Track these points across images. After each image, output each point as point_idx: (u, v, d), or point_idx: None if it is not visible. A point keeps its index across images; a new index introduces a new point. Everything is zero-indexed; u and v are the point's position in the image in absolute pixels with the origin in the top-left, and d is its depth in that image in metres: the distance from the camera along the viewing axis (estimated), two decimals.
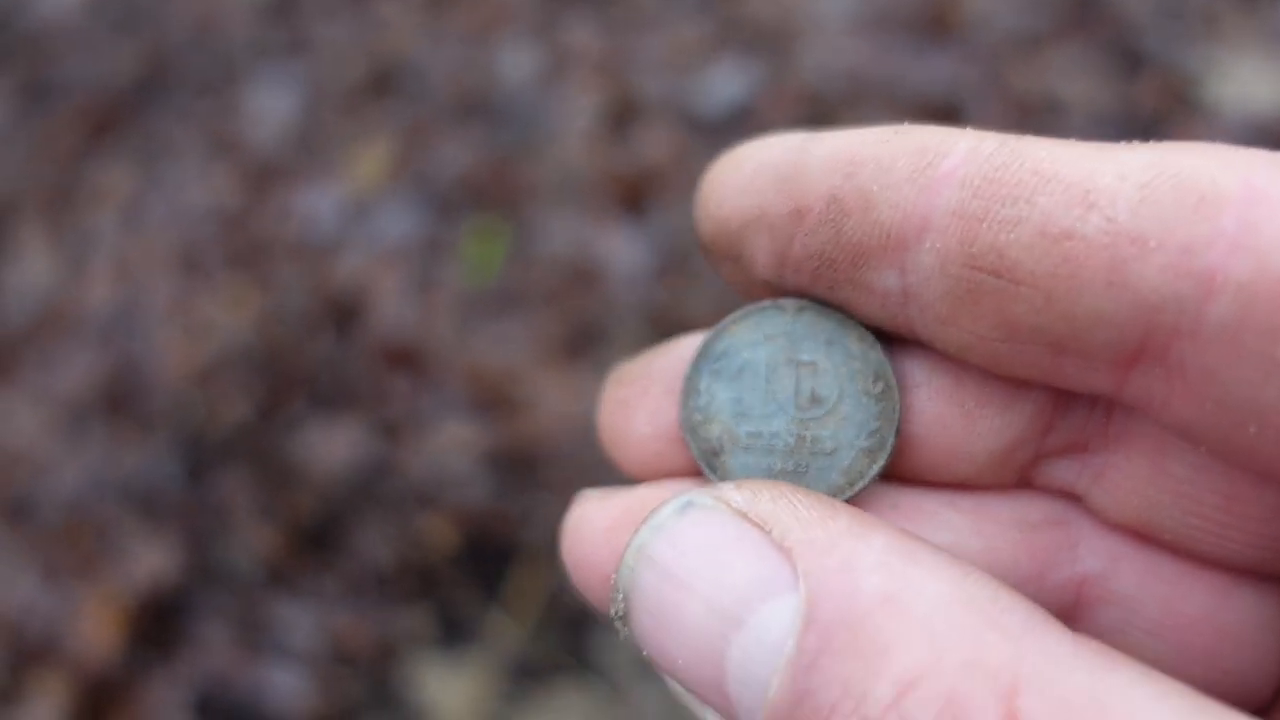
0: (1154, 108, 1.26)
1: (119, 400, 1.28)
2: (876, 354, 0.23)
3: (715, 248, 0.24)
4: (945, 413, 0.23)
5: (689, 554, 0.19)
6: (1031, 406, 0.22)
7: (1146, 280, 0.16)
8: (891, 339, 0.24)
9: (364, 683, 1.06)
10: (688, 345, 0.26)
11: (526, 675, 1.04)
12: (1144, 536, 0.23)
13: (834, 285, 0.22)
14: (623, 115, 1.40)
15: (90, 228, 1.46)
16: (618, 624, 0.21)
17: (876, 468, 0.23)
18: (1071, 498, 0.24)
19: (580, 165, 1.36)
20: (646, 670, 1.03)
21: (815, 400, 0.24)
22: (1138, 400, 0.19)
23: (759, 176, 0.22)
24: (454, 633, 1.08)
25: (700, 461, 0.24)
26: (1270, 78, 1.25)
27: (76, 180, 1.52)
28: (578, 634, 1.05)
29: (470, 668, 1.06)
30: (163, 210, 1.45)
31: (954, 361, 0.22)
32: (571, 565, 0.25)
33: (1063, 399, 0.22)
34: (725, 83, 1.40)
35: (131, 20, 1.68)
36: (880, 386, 0.23)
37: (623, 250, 1.27)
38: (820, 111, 1.34)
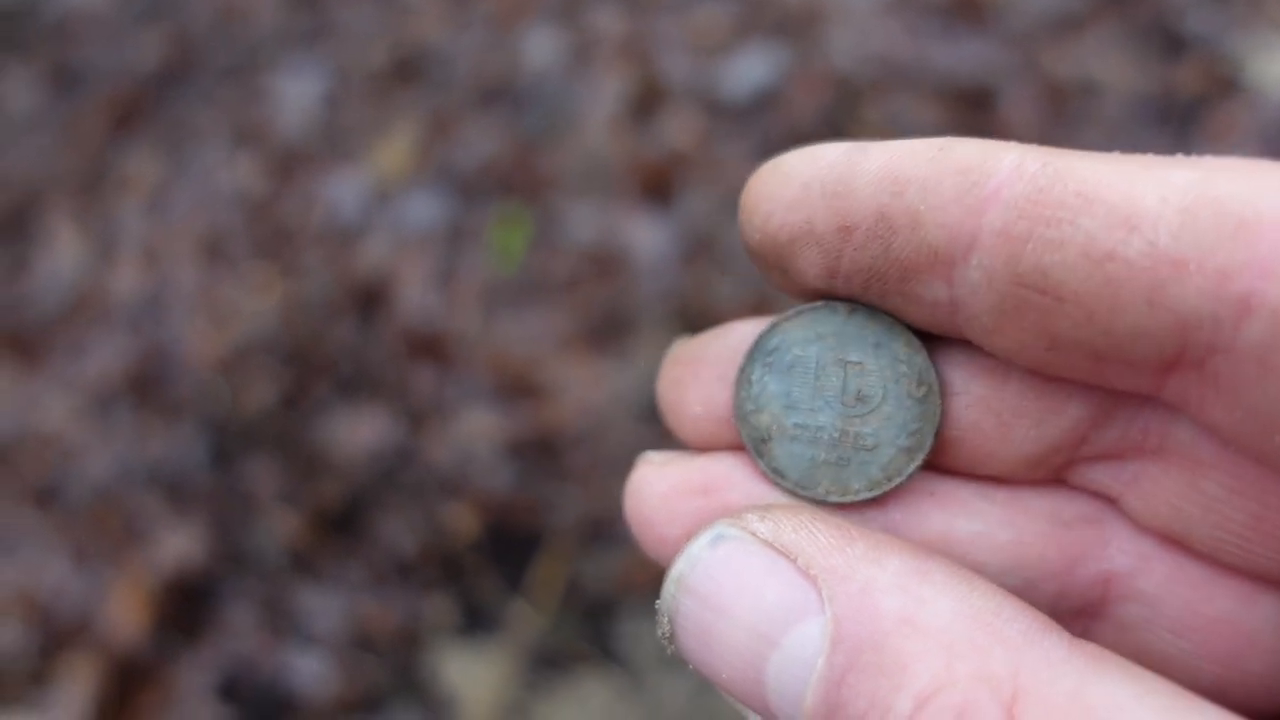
0: (1194, 91, 1.23)
1: (146, 386, 1.29)
2: (922, 359, 0.24)
3: (763, 258, 0.25)
4: (982, 420, 0.24)
5: (724, 584, 0.21)
6: (1067, 421, 0.23)
7: (1185, 301, 0.17)
8: (939, 337, 0.25)
9: (387, 669, 1.06)
10: (741, 332, 0.27)
11: (548, 663, 1.04)
12: (1173, 541, 0.24)
13: (884, 295, 0.23)
14: (647, 101, 1.39)
15: (118, 215, 1.47)
16: (664, 642, 0.23)
17: (914, 465, 0.25)
18: (1107, 499, 0.24)
19: (605, 152, 1.35)
20: (667, 660, 1.02)
21: (861, 399, 0.25)
22: (1175, 401, 0.20)
23: (808, 191, 0.23)
24: (476, 620, 1.08)
25: (749, 446, 0.26)
26: None
27: (104, 168, 1.53)
28: (599, 623, 1.05)
29: (492, 655, 1.06)
30: (189, 198, 1.46)
31: (995, 371, 0.24)
32: (633, 525, 0.27)
33: (1100, 415, 0.23)
34: (751, 67, 1.38)
35: (157, 8, 1.69)
36: (923, 390, 0.24)
37: (647, 237, 1.26)
38: (848, 96, 1.32)
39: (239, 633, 1.09)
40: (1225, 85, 1.22)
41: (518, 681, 1.04)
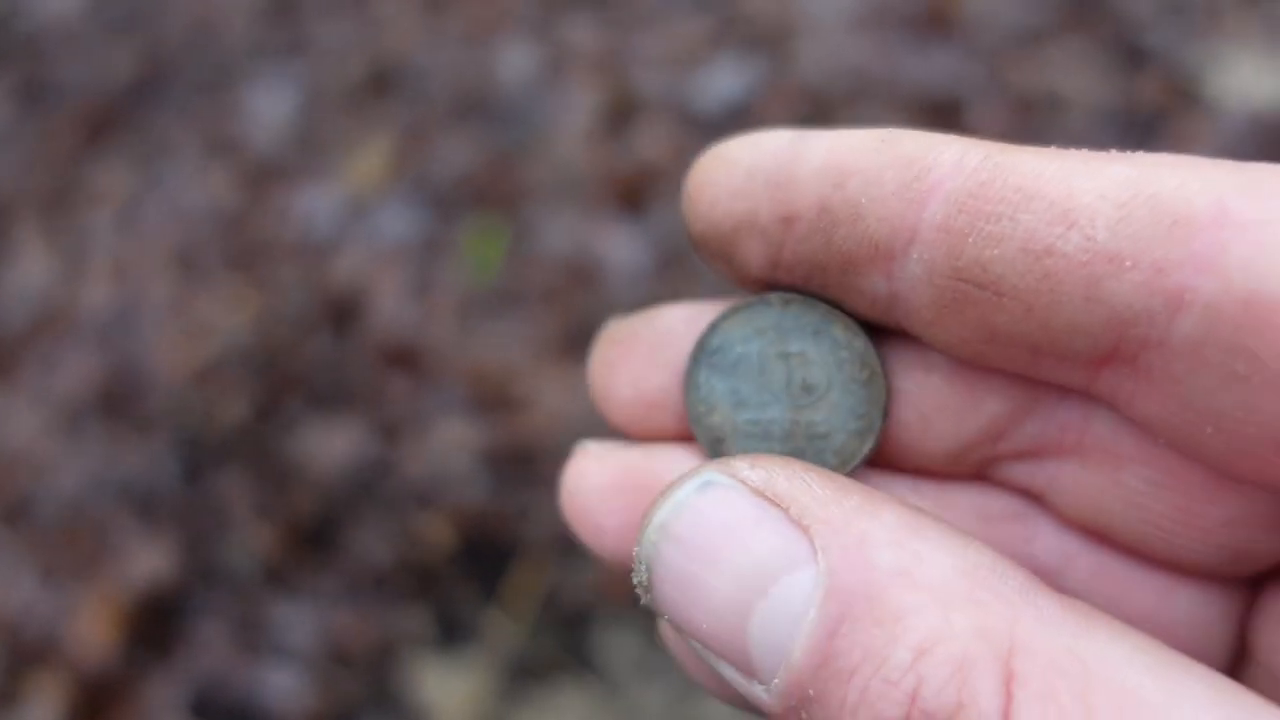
0: (1155, 103, 1.25)
1: (117, 401, 1.28)
2: (861, 342, 0.25)
3: (707, 247, 0.25)
4: (906, 414, 0.24)
5: (712, 531, 0.20)
6: (984, 418, 0.23)
7: (1121, 296, 0.17)
8: (873, 329, 0.25)
9: (362, 682, 1.06)
10: (671, 317, 0.27)
11: (525, 674, 1.04)
12: (1097, 535, 0.24)
13: (825, 287, 0.23)
14: (621, 114, 1.40)
15: (88, 228, 1.45)
16: (640, 591, 0.22)
17: (866, 448, 0.25)
18: (1031, 495, 0.25)
19: (579, 164, 1.36)
20: (645, 669, 1.02)
21: (806, 389, 0.25)
22: (1106, 395, 0.20)
23: (751, 180, 0.23)
24: (452, 632, 1.07)
25: (707, 449, 0.26)
26: (1271, 73, 1.24)
27: (75, 181, 1.51)
28: (576, 633, 1.05)
29: (469, 667, 1.05)
30: (161, 211, 1.45)
31: (919, 366, 0.24)
32: (570, 516, 0.27)
33: (1018, 411, 0.23)
34: (724, 81, 1.40)
35: (129, 21, 1.68)
36: (866, 373, 0.25)
37: (621, 248, 1.27)
38: (819, 109, 1.34)
39: (211, 648, 1.08)
40: (1185, 98, 1.25)
41: (494, 692, 1.03)
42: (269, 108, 1.52)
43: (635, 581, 0.22)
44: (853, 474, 0.25)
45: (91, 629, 1.09)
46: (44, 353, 1.34)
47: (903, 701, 0.17)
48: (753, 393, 0.25)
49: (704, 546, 0.20)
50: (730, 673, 0.20)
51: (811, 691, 0.18)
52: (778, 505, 0.20)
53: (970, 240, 0.19)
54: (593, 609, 1.06)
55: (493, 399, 1.20)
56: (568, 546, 1.09)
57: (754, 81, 1.39)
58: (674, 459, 0.26)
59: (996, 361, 0.21)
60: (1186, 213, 0.17)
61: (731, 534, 0.20)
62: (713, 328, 0.26)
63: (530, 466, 1.14)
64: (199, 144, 1.51)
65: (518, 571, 1.09)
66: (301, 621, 1.09)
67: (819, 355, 0.25)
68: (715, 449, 0.26)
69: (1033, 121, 1.26)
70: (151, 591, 1.11)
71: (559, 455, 1.01)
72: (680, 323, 0.27)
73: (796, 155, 0.22)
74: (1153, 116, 1.24)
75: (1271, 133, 1.20)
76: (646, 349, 0.27)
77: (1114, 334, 0.18)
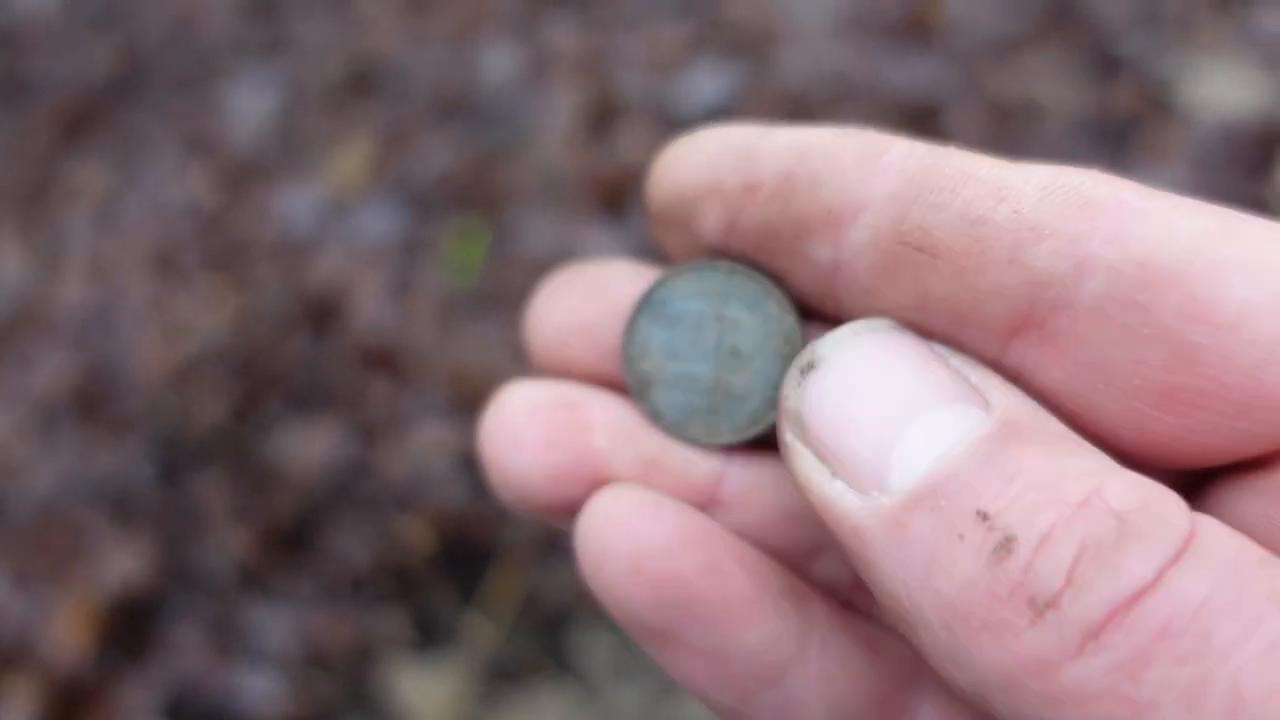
0: (1130, 111, 1.27)
1: (93, 401, 1.27)
2: (790, 320, 0.26)
3: (667, 213, 0.27)
4: None
5: (879, 360, 0.21)
6: None
7: (1039, 260, 0.20)
8: (808, 317, 0.27)
9: (339, 685, 1.05)
10: (621, 265, 0.29)
11: (503, 677, 1.04)
12: None
13: (775, 253, 0.25)
14: (603, 116, 1.40)
15: (65, 226, 1.44)
16: (801, 373, 0.22)
17: (774, 415, 0.26)
18: None
19: (561, 165, 1.36)
20: (623, 671, 1.03)
21: (734, 353, 0.27)
22: (1015, 365, 0.22)
23: (720, 155, 0.25)
24: (430, 635, 1.07)
25: (633, 390, 0.28)
26: (1243, 83, 1.26)
27: (51, 178, 1.50)
28: (555, 635, 1.05)
29: (447, 669, 1.05)
30: (139, 209, 1.44)
31: None
32: (488, 436, 0.27)
33: None
34: (705, 84, 1.40)
35: (109, 17, 1.67)
36: (789, 349, 0.26)
37: (602, 249, 1.27)
38: (800, 113, 1.35)
39: (186, 651, 1.08)
40: (1159, 107, 1.26)
41: (472, 695, 1.03)
42: (249, 106, 1.51)
43: (801, 364, 0.22)
44: (761, 436, 0.27)
45: (65, 632, 1.08)
46: (18, 351, 1.32)
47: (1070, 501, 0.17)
48: (686, 347, 0.27)
49: (870, 371, 0.21)
50: (838, 487, 0.20)
51: (955, 488, 0.18)
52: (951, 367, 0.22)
53: (915, 207, 0.21)
54: (571, 611, 1.06)
55: (473, 401, 1.20)
56: (547, 548, 1.09)
57: (735, 85, 1.39)
58: (598, 395, 0.27)
59: (923, 329, 0.23)
60: (1094, 198, 0.20)
61: (903, 360, 0.21)
62: (661, 282, 0.28)
63: None
64: (178, 142, 1.50)
65: (496, 574, 1.09)
66: (278, 624, 1.08)
67: (751, 324, 0.27)
68: (642, 393, 0.27)
69: (1010, 127, 1.28)
70: (126, 594, 1.11)
71: None
72: (626, 273, 0.29)
73: (764, 135, 0.24)
74: (1127, 124, 1.26)
75: (1241, 140, 1.22)
76: (589, 287, 0.28)
77: (1030, 295, 0.20)
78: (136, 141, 1.51)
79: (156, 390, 1.26)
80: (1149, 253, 0.19)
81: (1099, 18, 1.35)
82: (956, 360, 0.22)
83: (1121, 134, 1.26)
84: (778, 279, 0.26)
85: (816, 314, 0.27)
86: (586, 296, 0.28)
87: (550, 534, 1.10)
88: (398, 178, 1.39)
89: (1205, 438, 0.19)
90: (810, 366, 0.22)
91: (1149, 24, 1.34)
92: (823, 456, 0.21)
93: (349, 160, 1.43)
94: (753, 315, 0.26)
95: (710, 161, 0.25)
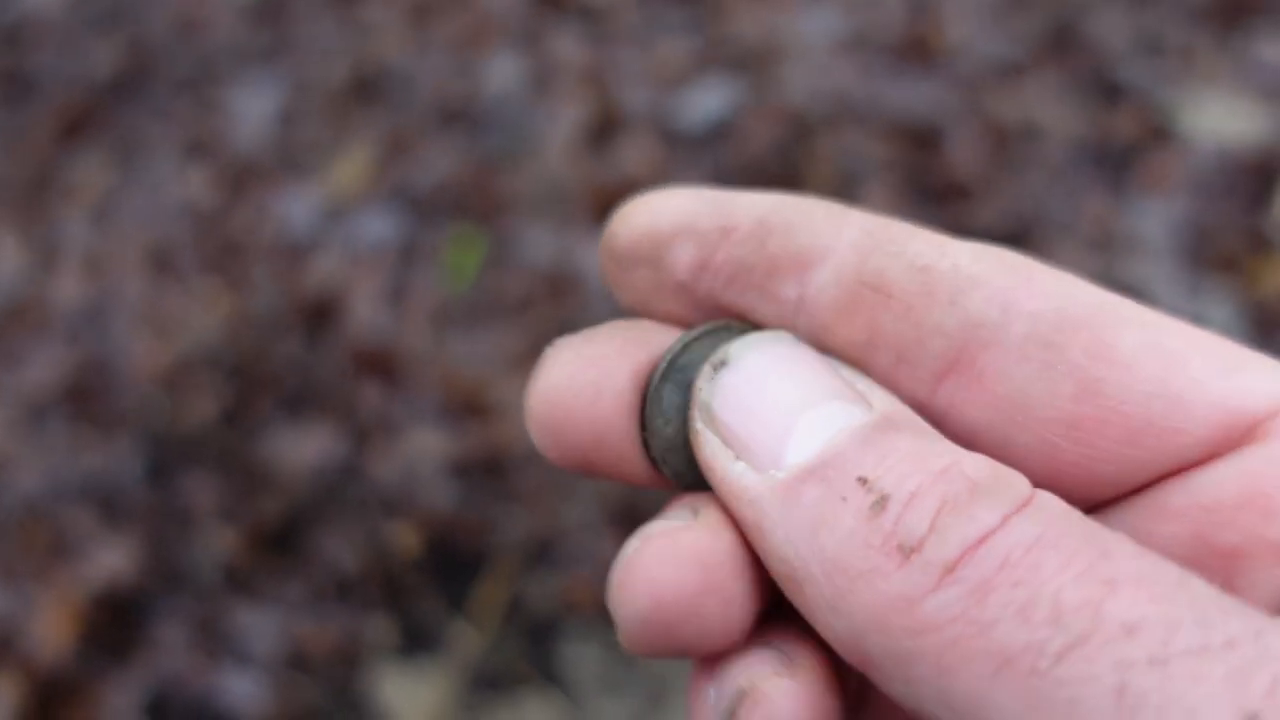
0: (1129, 137, 1.28)
1: (84, 398, 1.26)
2: None
3: (635, 251, 0.28)
4: None
5: (776, 362, 0.25)
6: None
7: (974, 304, 0.24)
8: None
9: (323, 689, 1.04)
10: (649, 328, 0.29)
11: (488, 685, 1.03)
12: None
13: (745, 289, 0.27)
14: (605, 128, 1.41)
15: (62, 224, 1.44)
16: (709, 371, 0.25)
17: None
18: None
19: (561, 176, 1.36)
20: (609, 682, 1.02)
21: None
22: (941, 407, 0.25)
23: (694, 201, 0.28)
24: (416, 640, 1.06)
25: (657, 458, 0.27)
26: (1242, 111, 1.27)
27: (50, 175, 1.50)
28: (540, 644, 1.04)
29: (432, 676, 1.04)
30: (137, 209, 1.44)
31: None
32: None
33: None
34: (707, 99, 1.41)
35: (113, 17, 1.67)
36: None
37: (598, 261, 1.27)
38: (801, 130, 1.35)
39: (170, 651, 1.07)
40: (1159, 133, 1.27)
41: (457, 702, 1.02)
42: (251, 108, 1.52)
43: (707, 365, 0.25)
44: None
45: (49, 629, 1.07)
46: (11, 347, 1.32)
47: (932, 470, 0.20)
48: None
49: (768, 369, 0.24)
50: (739, 468, 0.23)
51: (841, 462, 0.21)
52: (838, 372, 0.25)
53: (874, 255, 0.25)
54: (558, 620, 1.05)
55: (465, 408, 1.19)
56: (535, 557, 1.09)
57: (737, 101, 1.40)
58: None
59: (869, 366, 0.26)
60: (1018, 263, 0.24)
61: (805, 363, 0.24)
62: (684, 347, 0.27)
63: (500, 476, 1.14)
64: (178, 142, 1.50)
65: (484, 581, 1.08)
66: (264, 626, 1.07)
67: None
68: (664, 458, 0.27)
69: (1010, 150, 1.28)
70: (111, 592, 1.10)
71: (530, 465, 1.01)
72: (651, 332, 0.29)
73: (735, 193, 0.27)
74: (1127, 149, 1.27)
75: (1240, 170, 1.22)
76: (596, 355, 0.28)
77: (965, 335, 0.24)
78: (137, 141, 1.51)
79: (148, 389, 1.25)
80: (1063, 304, 0.23)
81: (1100, 45, 1.36)
82: (846, 371, 0.25)
83: (1121, 159, 1.26)
84: (751, 316, 0.28)
85: None
86: (593, 362, 0.28)
87: (539, 542, 1.10)
88: (397, 184, 1.40)
89: (1103, 466, 0.23)
90: (721, 364, 0.25)
91: (1150, 52, 1.35)
92: (727, 441, 0.24)
93: (349, 165, 1.43)
94: None
95: (685, 206, 0.27)
